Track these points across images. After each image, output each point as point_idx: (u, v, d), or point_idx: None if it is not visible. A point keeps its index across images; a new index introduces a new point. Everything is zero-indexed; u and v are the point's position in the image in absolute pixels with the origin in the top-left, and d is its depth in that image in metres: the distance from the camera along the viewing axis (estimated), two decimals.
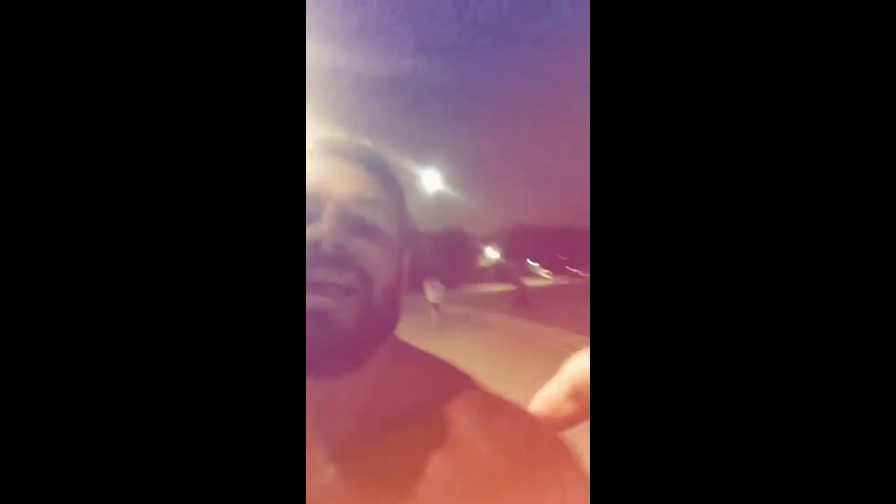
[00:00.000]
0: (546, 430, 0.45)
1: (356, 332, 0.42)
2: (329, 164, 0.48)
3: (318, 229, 0.42)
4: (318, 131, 0.52)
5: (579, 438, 0.51)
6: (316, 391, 0.44)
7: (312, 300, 0.40)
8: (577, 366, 0.96)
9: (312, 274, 0.40)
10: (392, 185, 0.50)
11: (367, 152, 0.50)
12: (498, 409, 0.45)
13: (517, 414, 0.45)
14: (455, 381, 0.47)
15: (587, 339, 0.39)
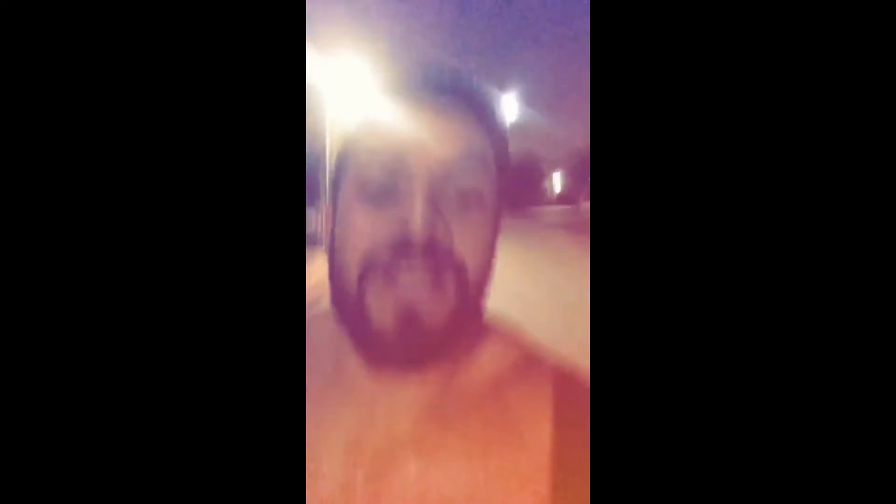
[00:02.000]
0: None
1: (445, 325, 0.36)
2: (418, 111, 0.36)
3: (406, 209, 0.34)
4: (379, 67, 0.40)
5: None
6: (403, 385, 0.39)
7: (399, 295, 0.34)
8: None
9: (400, 266, 0.34)
10: (496, 125, 0.39)
11: (464, 83, 0.38)
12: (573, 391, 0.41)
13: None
14: (534, 366, 0.43)
15: None
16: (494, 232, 0.39)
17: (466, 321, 0.38)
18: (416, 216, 0.34)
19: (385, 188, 0.35)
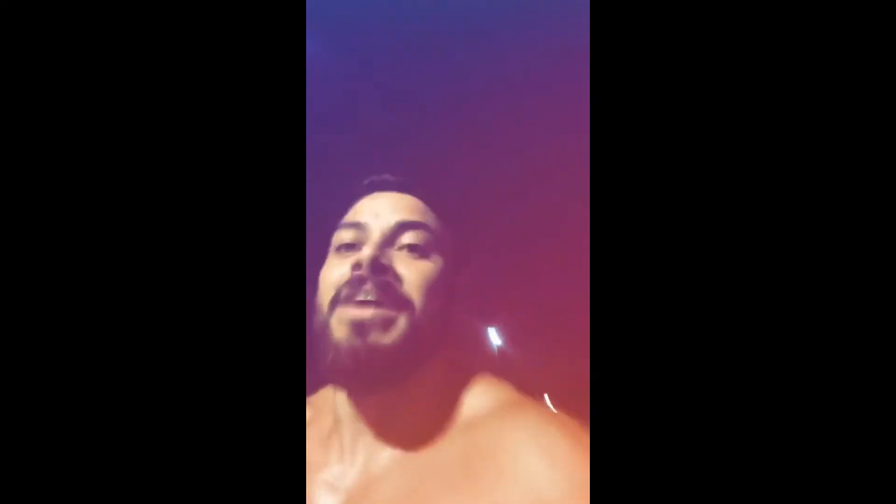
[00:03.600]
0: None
1: (399, 352, 0.41)
2: (376, 196, 0.49)
3: (360, 253, 0.43)
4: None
5: None
6: (357, 408, 0.45)
7: (352, 318, 0.41)
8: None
9: (354, 295, 0.41)
10: (442, 213, 0.50)
11: (414, 184, 0.50)
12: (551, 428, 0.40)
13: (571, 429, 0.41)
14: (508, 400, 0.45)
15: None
16: (444, 283, 0.46)
17: (419, 350, 0.43)
18: (365, 258, 0.42)
19: (350, 243, 0.47)
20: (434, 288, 0.45)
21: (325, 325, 0.43)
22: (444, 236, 0.49)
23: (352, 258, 0.44)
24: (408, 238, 0.46)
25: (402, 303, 0.43)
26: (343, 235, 0.47)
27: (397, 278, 0.43)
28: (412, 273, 0.44)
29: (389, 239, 0.45)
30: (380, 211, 0.47)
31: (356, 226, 0.47)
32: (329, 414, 0.49)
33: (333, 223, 0.51)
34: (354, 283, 0.42)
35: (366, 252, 0.43)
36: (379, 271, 0.42)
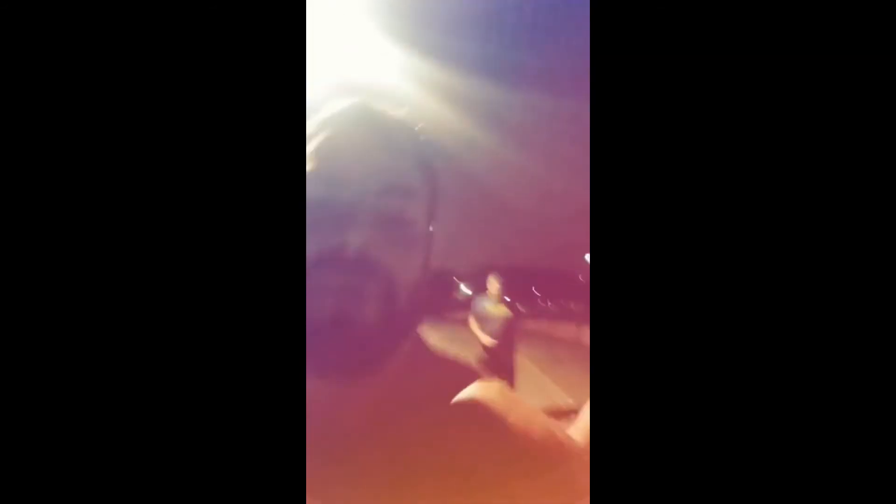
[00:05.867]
0: (555, 428, 0.41)
1: (377, 335, 0.38)
2: (363, 142, 0.41)
3: (346, 233, 0.38)
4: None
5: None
6: (333, 393, 0.40)
7: (333, 306, 0.36)
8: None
9: (336, 280, 0.37)
10: (428, 170, 0.44)
11: (403, 129, 0.44)
12: (510, 407, 0.41)
13: (529, 412, 0.42)
14: (467, 380, 0.43)
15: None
16: (423, 253, 0.42)
17: (396, 330, 0.40)
18: (355, 234, 0.37)
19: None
20: (413, 261, 0.41)
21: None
22: (429, 203, 0.44)
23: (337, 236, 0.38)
24: (389, 204, 0.40)
25: (385, 285, 0.39)
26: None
27: (381, 260, 0.39)
28: (395, 253, 0.40)
29: (376, 212, 0.39)
30: (369, 166, 0.40)
31: (343, 184, 0.39)
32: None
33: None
34: (336, 269, 0.37)
35: (354, 233, 0.38)
36: (364, 255, 0.38)
